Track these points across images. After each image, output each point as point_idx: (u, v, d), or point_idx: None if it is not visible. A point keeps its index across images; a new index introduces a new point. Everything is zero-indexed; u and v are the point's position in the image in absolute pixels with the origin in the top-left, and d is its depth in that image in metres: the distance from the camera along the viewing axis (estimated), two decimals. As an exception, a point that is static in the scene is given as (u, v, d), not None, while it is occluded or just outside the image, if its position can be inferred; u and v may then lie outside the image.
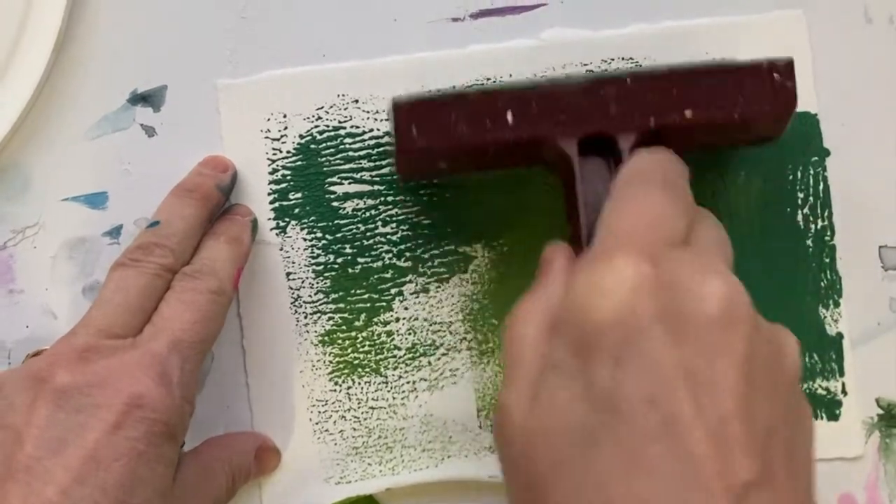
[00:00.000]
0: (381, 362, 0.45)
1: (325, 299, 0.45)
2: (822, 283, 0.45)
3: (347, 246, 0.45)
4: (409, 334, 0.45)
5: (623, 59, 0.45)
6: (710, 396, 0.30)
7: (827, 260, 0.45)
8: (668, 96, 0.38)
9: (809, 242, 0.45)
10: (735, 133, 0.41)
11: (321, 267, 0.45)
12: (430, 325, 0.45)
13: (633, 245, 0.32)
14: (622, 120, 0.38)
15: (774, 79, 0.38)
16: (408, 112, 0.38)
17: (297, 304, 0.45)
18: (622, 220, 0.33)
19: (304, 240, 0.45)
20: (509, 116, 0.38)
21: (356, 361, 0.45)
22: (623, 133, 0.38)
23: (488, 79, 0.45)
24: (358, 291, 0.45)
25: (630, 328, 0.30)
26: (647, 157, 0.36)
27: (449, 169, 0.42)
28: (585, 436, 0.30)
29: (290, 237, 0.45)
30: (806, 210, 0.45)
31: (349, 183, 0.45)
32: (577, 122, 0.38)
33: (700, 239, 0.34)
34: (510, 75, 0.45)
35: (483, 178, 0.45)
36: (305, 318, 0.45)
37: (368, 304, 0.45)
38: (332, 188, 0.45)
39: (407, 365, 0.45)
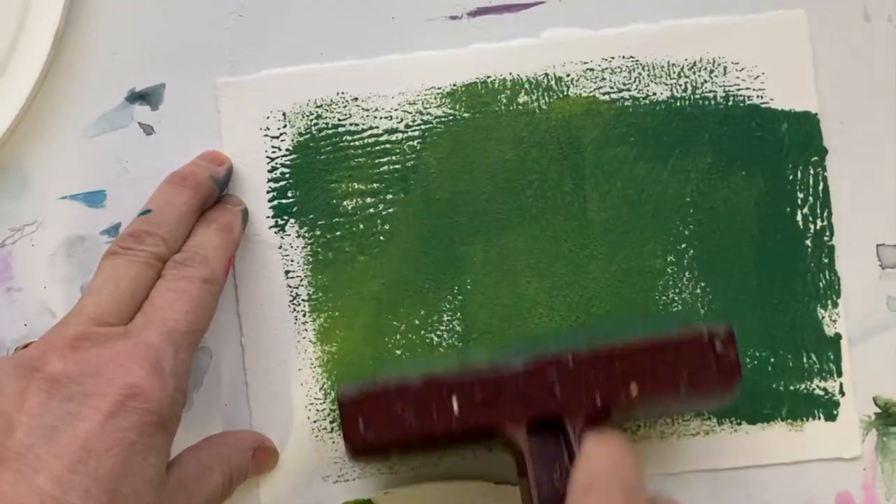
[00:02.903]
0: (379, 360, 0.45)
1: (324, 297, 0.45)
2: (821, 284, 0.45)
3: (346, 244, 0.45)
4: (408, 332, 0.45)
5: (623, 57, 0.45)
6: None
7: (826, 260, 0.45)
8: (612, 375, 0.38)
9: (809, 242, 0.45)
10: (683, 403, 0.41)
11: (320, 265, 0.45)
12: (429, 323, 0.45)
13: None
14: (568, 402, 0.38)
15: (716, 349, 0.39)
16: (354, 407, 0.39)
17: (295, 301, 0.45)
18: None
19: (303, 237, 0.45)
20: (454, 405, 0.38)
21: (355, 359, 0.45)
22: (570, 416, 0.38)
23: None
24: (357, 289, 0.45)
25: None
26: (602, 454, 0.36)
27: (399, 454, 0.42)
28: None
29: (289, 235, 0.45)
30: (805, 210, 0.45)
31: (348, 181, 0.45)
32: (522, 407, 0.38)
33: None
34: (510, 73, 0.45)
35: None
36: (304, 315, 0.45)
37: (366, 302, 0.45)
38: (331, 186, 0.45)
39: (404, 363, 0.45)
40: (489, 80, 0.45)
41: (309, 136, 0.45)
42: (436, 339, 0.45)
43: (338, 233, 0.45)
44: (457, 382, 0.39)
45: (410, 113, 0.45)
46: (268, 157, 0.45)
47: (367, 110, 0.45)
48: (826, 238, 0.45)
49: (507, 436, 0.38)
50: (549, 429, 0.38)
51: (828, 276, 0.45)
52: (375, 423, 0.39)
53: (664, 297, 0.45)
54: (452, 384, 0.39)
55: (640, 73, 0.45)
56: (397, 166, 0.45)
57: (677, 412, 0.44)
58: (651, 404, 0.39)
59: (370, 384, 0.40)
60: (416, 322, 0.45)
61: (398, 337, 0.45)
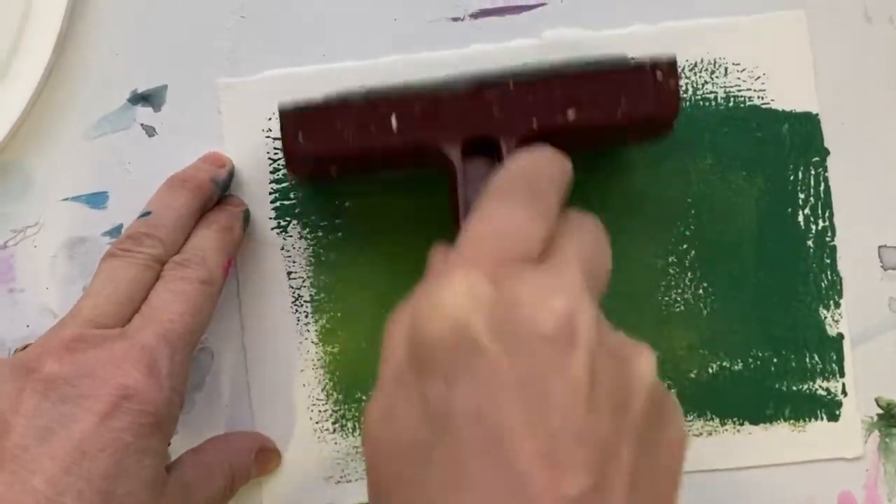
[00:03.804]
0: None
1: (326, 298, 0.45)
2: (823, 284, 0.45)
3: (348, 245, 0.45)
4: (410, 334, 0.45)
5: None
6: (541, 412, 0.29)
7: (828, 261, 0.45)
8: (551, 98, 0.38)
9: (810, 243, 0.45)
10: (621, 132, 0.41)
11: (322, 266, 0.45)
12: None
13: (476, 261, 0.31)
14: (505, 122, 0.38)
15: (657, 78, 0.38)
16: (294, 119, 0.39)
17: (297, 302, 0.45)
18: (472, 234, 0.32)
19: (306, 239, 0.45)
20: (393, 122, 0.38)
21: (357, 360, 0.45)
22: (506, 135, 0.38)
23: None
24: (359, 290, 0.45)
25: (462, 344, 0.29)
26: (519, 161, 0.35)
27: (338, 171, 0.42)
28: (419, 451, 0.30)
29: (291, 236, 0.45)
30: (807, 211, 0.45)
31: (350, 182, 0.45)
32: (460, 125, 0.38)
33: (561, 252, 0.32)
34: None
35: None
36: (306, 316, 0.45)
37: (369, 303, 0.45)
38: (333, 187, 0.45)
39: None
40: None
41: (311, 137, 0.45)
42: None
43: (340, 234, 0.45)
44: (397, 99, 0.38)
45: (412, 114, 0.45)
46: (270, 158, 0.45)
47: (369, 111, 0.45)
48: (828, 238, 0.45)
49: (443, 155, 0.38)
50: (485, 152, 0.38)
51: (830, 277, 0.45)
52: (314, 134, 0.39)
53: (666, 298, 0.45)
54: (393, 101, 0.38)
55: (641, 74, 0.45)
56: (399, 167, 0.45)
57: (616, 142, 0.44)
58: (588, 130, 0.39)
59: (312, 100, 0.39)
60: (418, 323, 0.45)
61: (400, 338, 0.45)
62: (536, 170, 0.34)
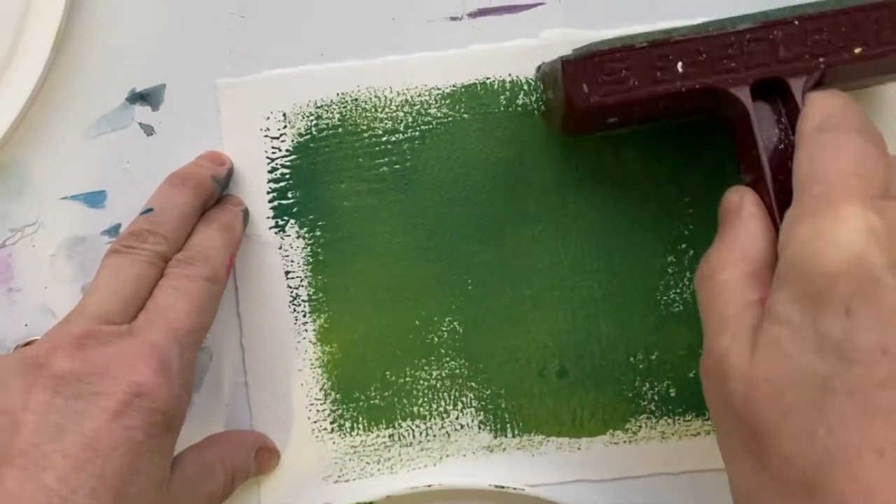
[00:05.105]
0: (379, 361, 0.45)
1: (324, 298, 0.45)
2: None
3: (346, 245, 0.45)
4: (408, 333, 0.45)
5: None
6: None
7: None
8: (837, 35, 0.38)
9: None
10: None
11: (320, 265, 0.45)
12: (430, 324, 0.45)
13: (853, 194, 0.32)
14: (793, 63, 0.38)
15: None
16: (577, 69, 0.39)
17: (295, 302, 0.45)
18: (831, 169, 0.33)
19: (303, 238, 0.45)
20: (679, 67, 0.38)
21: (355, 359, 0.45)
22: (794, 76, 0.38)
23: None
24: (356, 290, 0.45)
25: (863, 278, 0.31)
26: (829, 101, 0.36)
27: (617, 123, 0.41)
28: (816, 385, 0.31)
29: (288, 236, 0.45)
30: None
31: (348, 182, 0.45)
32: (748, 68, 0.38)
33: None
34: (510, 75, 0.45)
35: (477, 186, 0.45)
36: (304, 316, 0.45)
37: (367, 303, 0.45)
38: (330, 186, 0.45)
39: (405, 364, 0.45)
40: (489, 82, 0.45)
41: (309, 136, 0.45)
42: (436, 339, 0.45)
43: (338, 234, 0.45)
44: (682, 45, 0.38)
45: (410, 114, 0.45)
46: (268, 157, 0.45)
47: (367, 111, 0.45)
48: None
49: (731, 100, 0.38)
50: (769, 93, 0.38)
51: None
52: (599, 85, 0.38)
53: (665, 297, 0.45)
54: (678, 46, 0.38)
55: (639, 74, 0.46)
56: (397, 167, 0.45)
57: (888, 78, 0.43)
58: (873, 65, 0.39)
59: (593, 47, 0.39)
60: (417, 323, 0.45)
61: (398, 338, 0.45)
62: (852, 108, 0.36)
